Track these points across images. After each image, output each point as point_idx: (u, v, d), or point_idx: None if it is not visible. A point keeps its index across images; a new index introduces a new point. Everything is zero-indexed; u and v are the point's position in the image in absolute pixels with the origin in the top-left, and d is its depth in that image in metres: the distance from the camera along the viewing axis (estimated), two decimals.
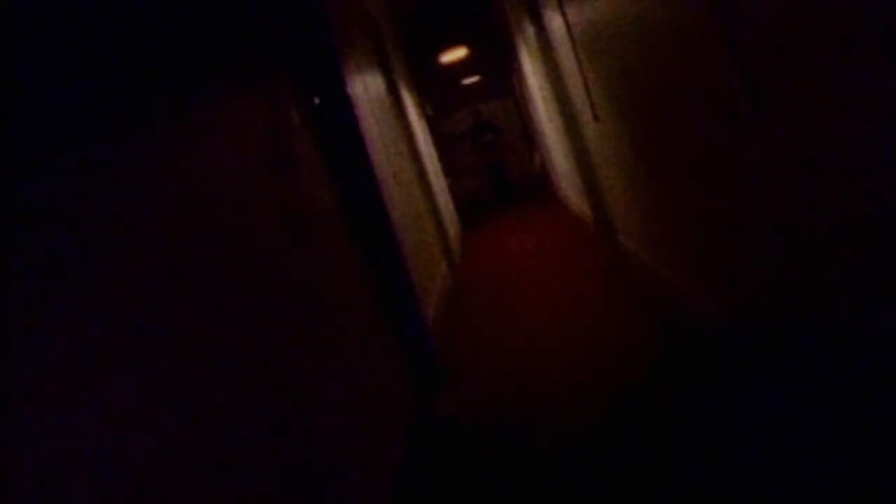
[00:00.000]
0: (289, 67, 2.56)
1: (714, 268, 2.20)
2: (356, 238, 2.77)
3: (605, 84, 3.06)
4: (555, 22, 4.03)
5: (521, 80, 8.62)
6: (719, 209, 1.92)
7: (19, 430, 0.80)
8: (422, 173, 6.01)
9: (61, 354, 0.90)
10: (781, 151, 1.37)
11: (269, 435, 1.41)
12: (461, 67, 11.37)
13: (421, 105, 8.78)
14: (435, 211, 6.10)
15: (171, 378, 1.12)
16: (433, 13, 9.53)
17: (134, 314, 1.08)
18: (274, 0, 2.61)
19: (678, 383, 2.23)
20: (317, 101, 2.80)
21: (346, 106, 2.90)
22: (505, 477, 2.07)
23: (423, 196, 5.73)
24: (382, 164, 3.70)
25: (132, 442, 0.97)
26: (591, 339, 3.03)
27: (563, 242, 5.71)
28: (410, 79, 8.16)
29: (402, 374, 2.82)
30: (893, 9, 0.92)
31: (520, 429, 2.38)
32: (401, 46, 8.09)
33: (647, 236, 3.24)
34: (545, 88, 5.85)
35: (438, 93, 11.64)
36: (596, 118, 3.69)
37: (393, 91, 5.60)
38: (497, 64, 11.20)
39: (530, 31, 5.46)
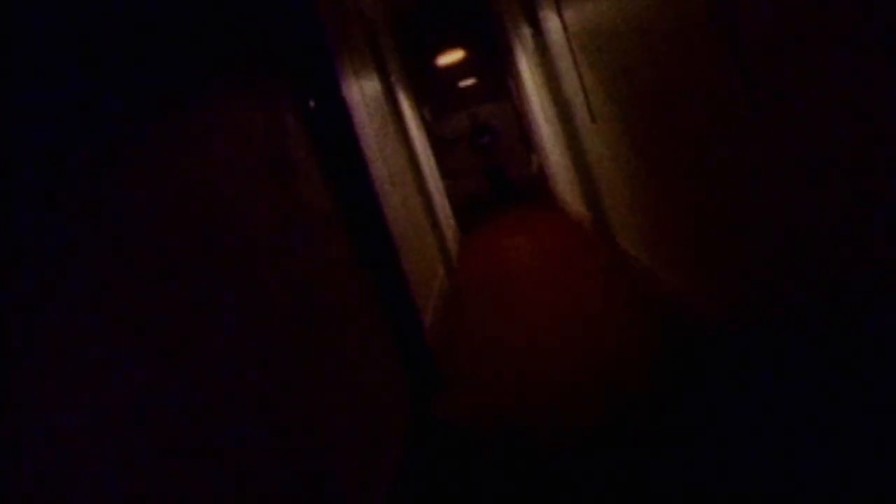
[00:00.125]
0: (284, 70, 2.56)
1: (714, 268, 2.20)
2: (353, 241, 2.76)
3: (603, 85, 3.06)
4: (551, 23, 4.03)
5: (518, 82, 8.63)
6: (719, 209, 1.92)
7: (20, 429, 0.79)
8: (419, 176, 6.01)
9: (60, 355, 0.89)
10: (781, 151, 1.38)
11: (268, 435, 1.40)
12: (458, 70, 11.38)
13: (418, 108, 8.78)
14: (432, 213, 6.10)
15: (171, 379, 1.12)
16: (430, 15, 9.54)
17: (133, 315, 1.07)
18: (269, 2, 2.61)
19: (678, 383, 2.23)
20: (312, 103, 2.79)
21: (341, 109, 2.89)
22: (505, 477, 2.06)
23: (420, 198, 5.72)
24: (379, 167, 3.70)
25: (132, 442, 0.97)
26: (590, 339, 3.03)
27: (561, 243, 5.71)
28: (407, 81, 8.16)
29: (400, 376, 2.82)
30: (893, 8, 0.92)
31: (519, 430, 2.37)
32: (397, 49, 8.10)
33: (646, 237, 3.24)
34: (542, 90, 5.86)
35: (435, 95, 11.66)
36: (593, 120, 3.69)
37: (389, 93, 5.60)
38: (494, 66, 11.22)
39: (527, 32, 5.47)
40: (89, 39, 1.21)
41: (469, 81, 11.84)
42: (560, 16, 3.57)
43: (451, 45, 9.78)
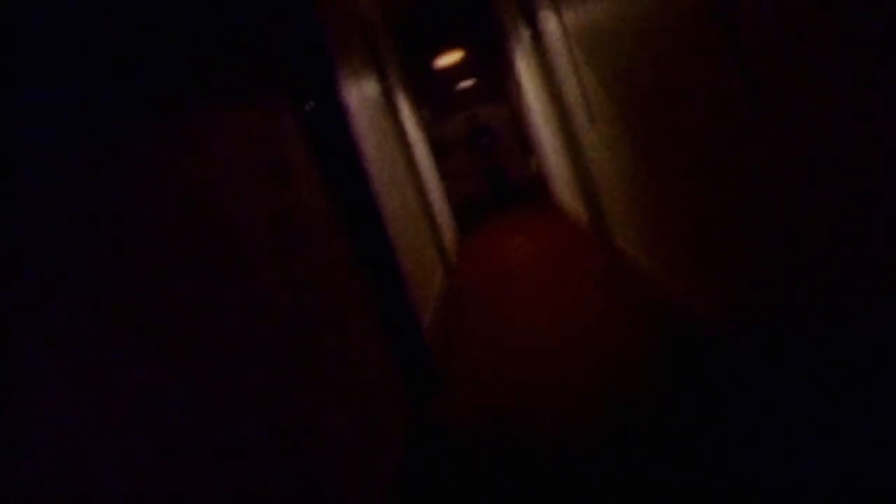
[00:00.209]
0: (282, 72, 2.56)
1: (714, 268, 2.20)
2: (351, 242, 2.76)
3: (602, 86, 3.07)
4: (550, 24, 4.03)
5: (517, 83, 8.64)
6: (719, 209, 1.92)
7: (20, 429, 0.79)
8: (417, 178, 6.01)
9: (60, 355, 0.89)
10: (781, 151, 1.38)
11: (268, 435, 1.40)
12: (457, 71, 11.38)
13: (417, 109, 8.78)
14: (431, 214, 6.10)
15: (171, 379, 1.11)
16: (429, 16, 9.55)
17: (132, 315, 1.07)
18: (267, 4, 2.61)
19: (678, 383, 2.23)
20: (309, 105, 2.79)
21: (339, 110, 2.89)
22: (504, 478, 2.06)
23: (419, 199, 5.72)
24: (377, 169, 3.70)
25: (132, 442, 0.96)
26: (590, 340, 3.03)
27: (559, 244, 5.71)
28: (406, 83, 8.17)
29: (399, 377, 2.81)
30: (893, 8, 0.92)
31: (518, 430, 2.37)
32: (396, 50, 8.10)
33: (645, 237, 3.24)
34: (541, 91, 5.86)
35: (434, 97, 11.66)
36: (592, 121, 3.70)
37: (388, 95, 5.60)
38: (492, 68, 11.22)
39: (525, 33, 5.47)
40: (89, 40, 1.20)
41: (468, 83, 11.85)
42: (559, 16, 3.57)
43: (450, 47, 9.78)
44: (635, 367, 2.53)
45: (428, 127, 10.36)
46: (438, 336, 4.05)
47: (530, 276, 4.93)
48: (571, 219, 6.65)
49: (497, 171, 12.40)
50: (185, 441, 1.09)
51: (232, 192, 1.63)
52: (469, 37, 10.36)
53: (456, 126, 12.39)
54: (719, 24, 1.44)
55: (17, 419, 0.79)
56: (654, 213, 2.83)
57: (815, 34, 1.11)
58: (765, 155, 1.46)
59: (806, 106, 1.22)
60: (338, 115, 2.89)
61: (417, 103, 9.32)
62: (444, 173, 11.20)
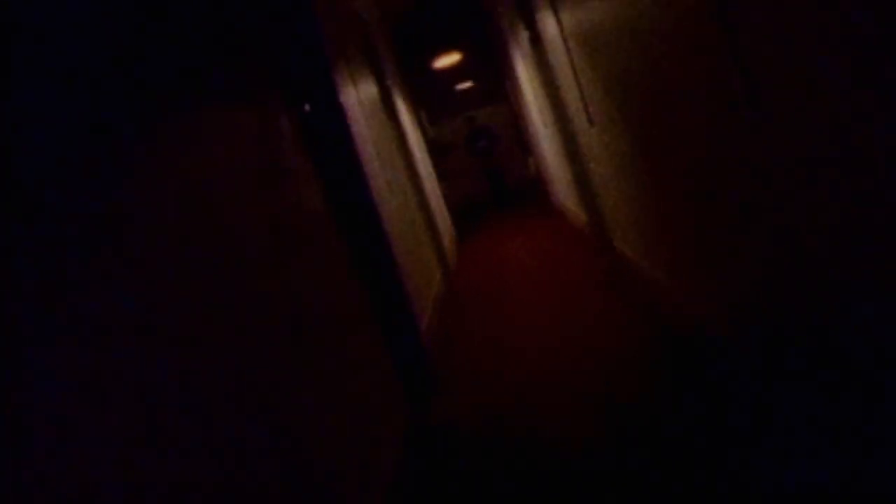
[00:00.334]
0: (280, 74, 2.56)
1: (714, 268, 2.20)
2: (349, 244, 2.76)
3: (602, 87, 3.07)
4: (548, 25, 4.04)
5: (516, 84, 8.64)
6: (719, 209, 1.93)
7: (20, 429, 0.79)
8: (416, 180, 6.01)
9: (60, 355, 0.89)
10: (781, 151, 1.38)
11: (268, 435, 1.40)
12: (455, 73, 11.39)
13: (415, 111, 8.78)
14: (429, 217, 6.10)
15: (171, 379, 1.11)
16: (427, 17, 9.55)
17: (132, 315, 1.07)
18: (265, 6, 2.61)
19: (677, 384, 2.23)
20: (306, 108, 2.79)
21: (337, 113, 2.89)
22: (504, 478, 2.06)
23: (417, 203, 5.72)
24: (375, 171, 3.69)
25: (132, 442, 0.96)
26: (589, 340, 3.03)
27: (559, 246, 5.71)
28: (404, 85, 8.17)
29: (398, 378, 2.81)
30: (893, 8, 0.93)
31: (518, 431, 2.37)
32: (394, 52, 8.10)
33: (644, 238, 3.24)
34: (539, 93, 5.86)
35: (432, 99, 11.66)
36: (591, 122, 3.70)
37: (386, 97, 5.60)
38: (491, 69, 11.22)
39: (524, 35, 5.48)
40: (88, 41, 1.20)
41: (466, 84, 11.85)
42: (557, 17, 3.57)
43: (448, 48, 9.79)
44: (635, 367, 2.53)
45: (426, 128, 10.36)
46: (438, 337, 4.05)
47: (529, 277, 4.93)
48: (570, 219, 6.65)
49: (497, 171, 12.41)
50: (185, 441, 1.09)
51: (231, 192, 1.63)
52: (467, 38, 10.37)
53: (455, 127, 12.40)
54: (719, 24, 1.44)
55: (18, 419, 0.79)
56: (654, 213, 2.84)
57: (815, 34, 1.11)
58: (764, 155, 1.46)
59: (806, 106, 1.23)
60: (336, 116, 2.88)
61: (415, 105, 9.32)
62: (444, 173, 11.20)
